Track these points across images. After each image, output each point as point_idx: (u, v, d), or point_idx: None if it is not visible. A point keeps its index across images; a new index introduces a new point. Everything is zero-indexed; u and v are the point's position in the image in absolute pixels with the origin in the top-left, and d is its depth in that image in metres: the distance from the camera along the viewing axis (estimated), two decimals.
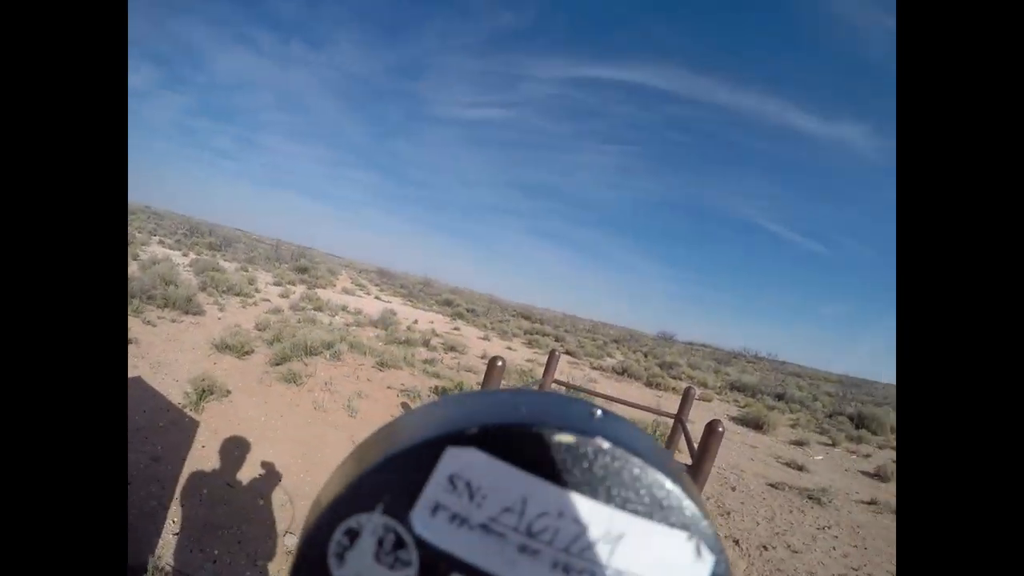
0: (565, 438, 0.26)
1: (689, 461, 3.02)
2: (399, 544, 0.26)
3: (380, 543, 0.26)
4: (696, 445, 3.47)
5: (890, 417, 11.27)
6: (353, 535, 0.27)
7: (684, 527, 0.26)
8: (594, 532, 0.26)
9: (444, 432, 0.26)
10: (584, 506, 0.26)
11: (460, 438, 0.26)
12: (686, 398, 4.76)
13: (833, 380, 23.30)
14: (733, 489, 4.83)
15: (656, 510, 0.26)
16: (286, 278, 15.78)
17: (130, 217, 23.86)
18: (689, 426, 4.22)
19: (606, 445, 0.26)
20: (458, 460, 0.26)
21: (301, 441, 4.12)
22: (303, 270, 19.17)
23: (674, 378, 13.12)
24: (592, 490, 0.26)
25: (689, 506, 0.26)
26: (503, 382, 3.63)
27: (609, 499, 0.26)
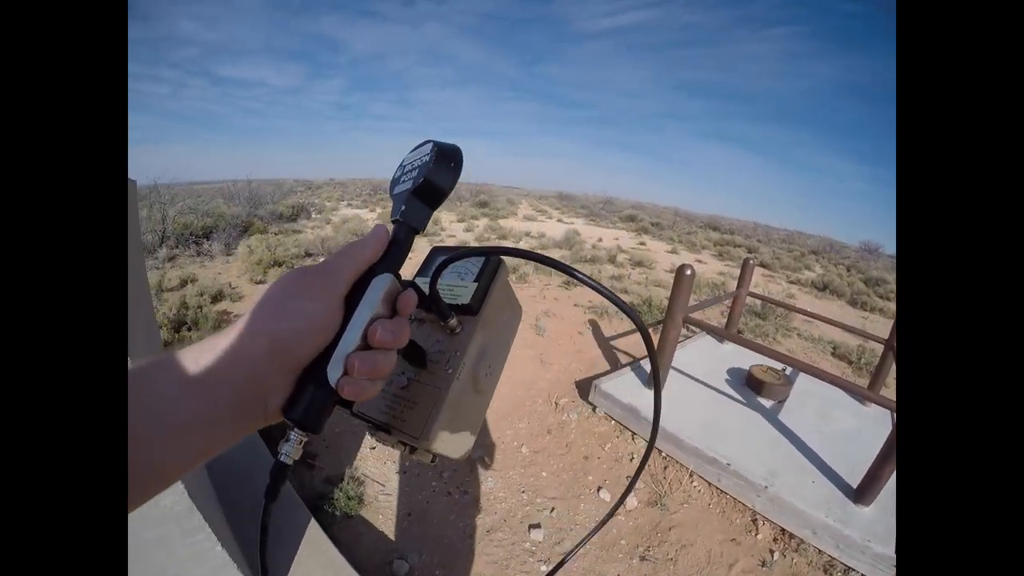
0: None
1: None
2: None
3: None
4: None
5: None
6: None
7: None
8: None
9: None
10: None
11: None
12: None
13: None
14: None
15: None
16: (468, 214, 16.76)
17: (317, 191, 27.41)
18: None
19: None
20: None
21: None
22: (483, 204, 20.16)
23: (881, 297, 10.92)
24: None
25: None
26: (692, 296, 3.37)
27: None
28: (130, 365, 0.37)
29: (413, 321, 0.58)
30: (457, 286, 0.58)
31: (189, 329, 4.57)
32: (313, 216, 14.38)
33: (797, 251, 18.69)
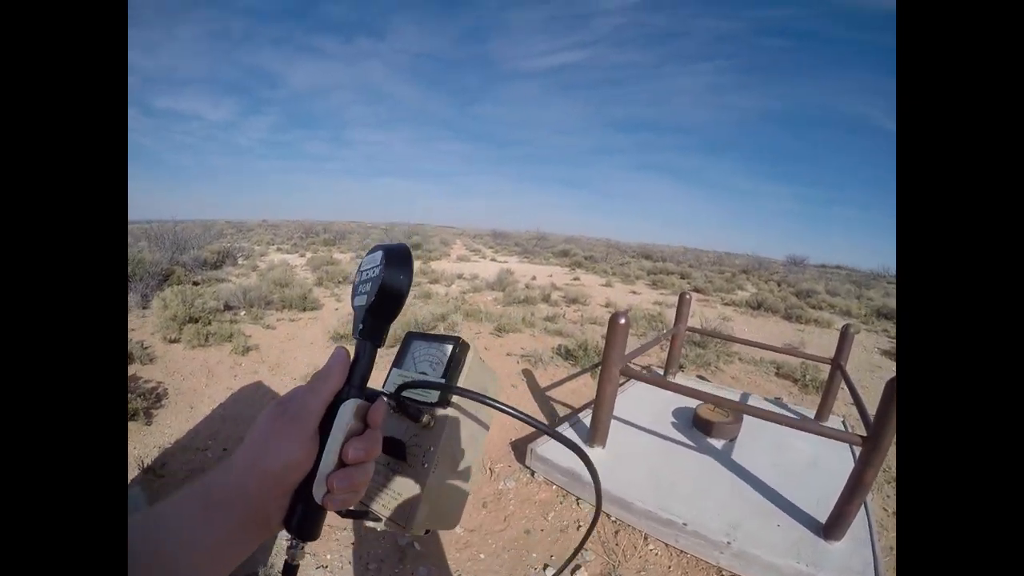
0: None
1: (858, 422, 2.45)
2: None
3: None
4: (861, 395, 2.85)
5: None
6: None
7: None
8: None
9: None
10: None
11: None
12: (844, 339, 3.84)
13: None
14: None
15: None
16: None
17: (248, 233, 26.32)
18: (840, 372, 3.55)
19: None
20: None
21: None
22: (416, 247, 19.87)
23: (814, 307, 11.66)
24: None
25: None
26: (630, 338, 3.23)
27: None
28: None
29: (391, 412, 0.61)
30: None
31: None
32: (240, 262, 13.62)
33: (728, 272, 19.38)
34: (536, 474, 3.14)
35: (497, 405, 0.54)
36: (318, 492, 0.49)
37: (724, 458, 3.18)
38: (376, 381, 0.58)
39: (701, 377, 5.42)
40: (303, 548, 0.52)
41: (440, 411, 0.60)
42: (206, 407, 4.19)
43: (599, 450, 3.11)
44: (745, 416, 3.61)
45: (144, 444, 3.57)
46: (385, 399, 0.56)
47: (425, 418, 0.59)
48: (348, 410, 0.52)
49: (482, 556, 2.53)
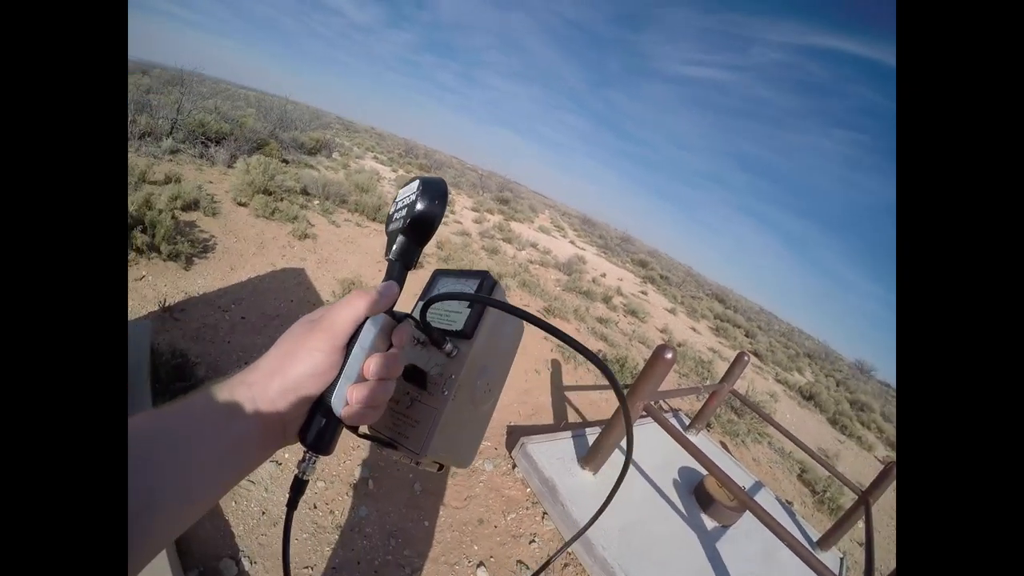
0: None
1: (858, 566, 2.09)
2: None
3: None
4: (874, 547, 2.48)
5: None
6: None
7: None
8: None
9: None
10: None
11: None
12: (885, 477, 3.34)
13: None
14: None
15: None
16: (485, 206, 16.37)
17: (353, 134, 26.96)
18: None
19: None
20: None
21: None
22: (504, 201, 19.80)
23: (863, 424, 10.56)
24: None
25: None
26: (669, 379, 2.97)
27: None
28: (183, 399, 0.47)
29: (417, 344, 0.62)
30: (452, 312, 0.64)
31: (144, 231, 4.18)
32: (334, 156, 14.00)
33: (793, 349, 18.29)
34: (517, 469, 3.01)
35: (529, 316, 0.52)
36: (337, 403, 0.51)
37: (708, 542, 2.91)
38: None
39: (723, 444, 5.06)
40: (315, 463, 0.54)
41: (464, 343, 0.61)
42: (244, 274, 4.29)
43: (588, 474, 2.93)
44: (747, 511, 3.30)
45: (174, 286, 3.68)
46: (411, 322, 0.58)
47: (448, 346, 0.59)
48: (374, 324, 0.54)
49: (426, 523, 2.43)
